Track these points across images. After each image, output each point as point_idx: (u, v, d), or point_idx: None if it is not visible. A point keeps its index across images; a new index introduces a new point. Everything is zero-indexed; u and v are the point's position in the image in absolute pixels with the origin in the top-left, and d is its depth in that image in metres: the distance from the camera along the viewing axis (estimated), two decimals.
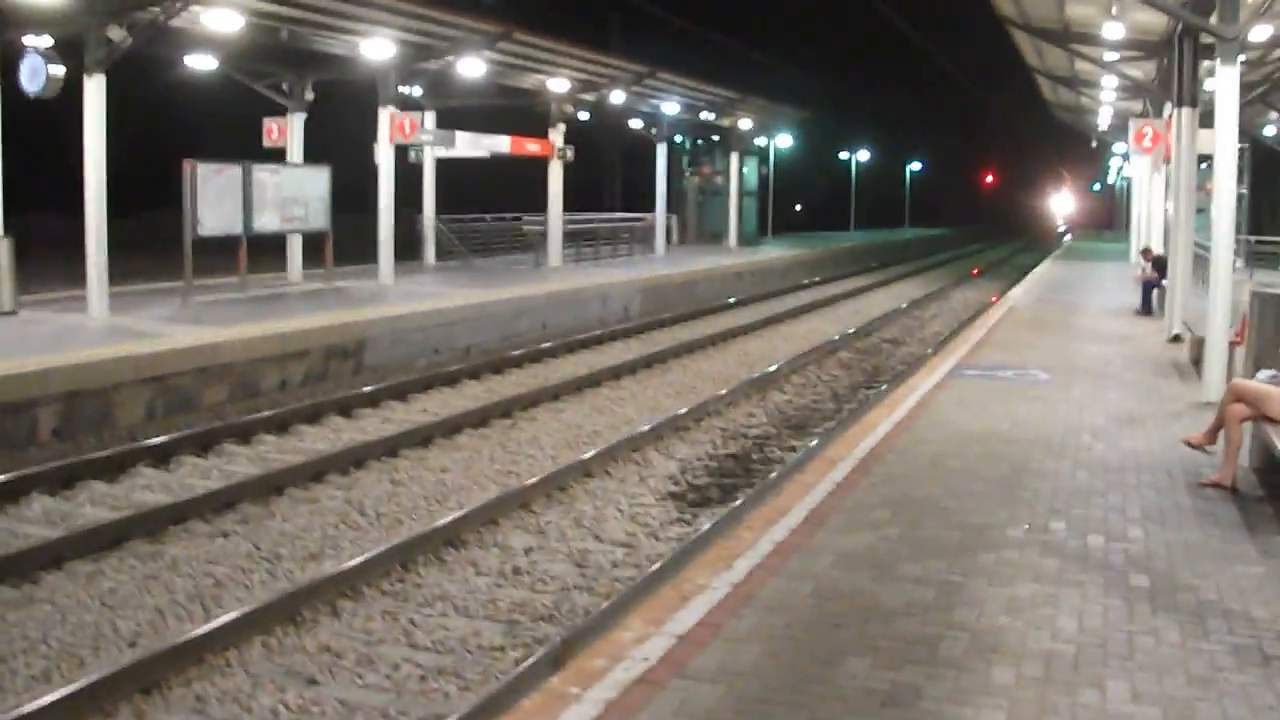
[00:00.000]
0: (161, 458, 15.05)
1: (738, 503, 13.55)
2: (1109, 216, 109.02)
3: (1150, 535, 9.65)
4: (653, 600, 8.10)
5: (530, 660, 8.85)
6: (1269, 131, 43.71)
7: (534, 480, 14.11)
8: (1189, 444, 12.40)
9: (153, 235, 36.51)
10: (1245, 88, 17.15)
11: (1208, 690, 6.67)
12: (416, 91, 34.56)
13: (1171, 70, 23.76)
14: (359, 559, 10.93)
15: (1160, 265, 27.52)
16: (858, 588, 8.20)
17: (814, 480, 11.33)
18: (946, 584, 8.32)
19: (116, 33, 21.08)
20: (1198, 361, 18.56)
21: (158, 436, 15.75)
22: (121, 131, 22.44)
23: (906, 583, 8.32)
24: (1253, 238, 44.96)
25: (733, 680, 6.63)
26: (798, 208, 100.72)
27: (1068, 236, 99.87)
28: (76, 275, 22.95)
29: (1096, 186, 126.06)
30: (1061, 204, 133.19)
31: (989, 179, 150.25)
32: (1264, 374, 12.27)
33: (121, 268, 23.90)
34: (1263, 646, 7.34)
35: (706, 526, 12.57)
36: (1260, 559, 9.12)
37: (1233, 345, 16.48)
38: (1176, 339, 22.31)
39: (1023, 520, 9.98)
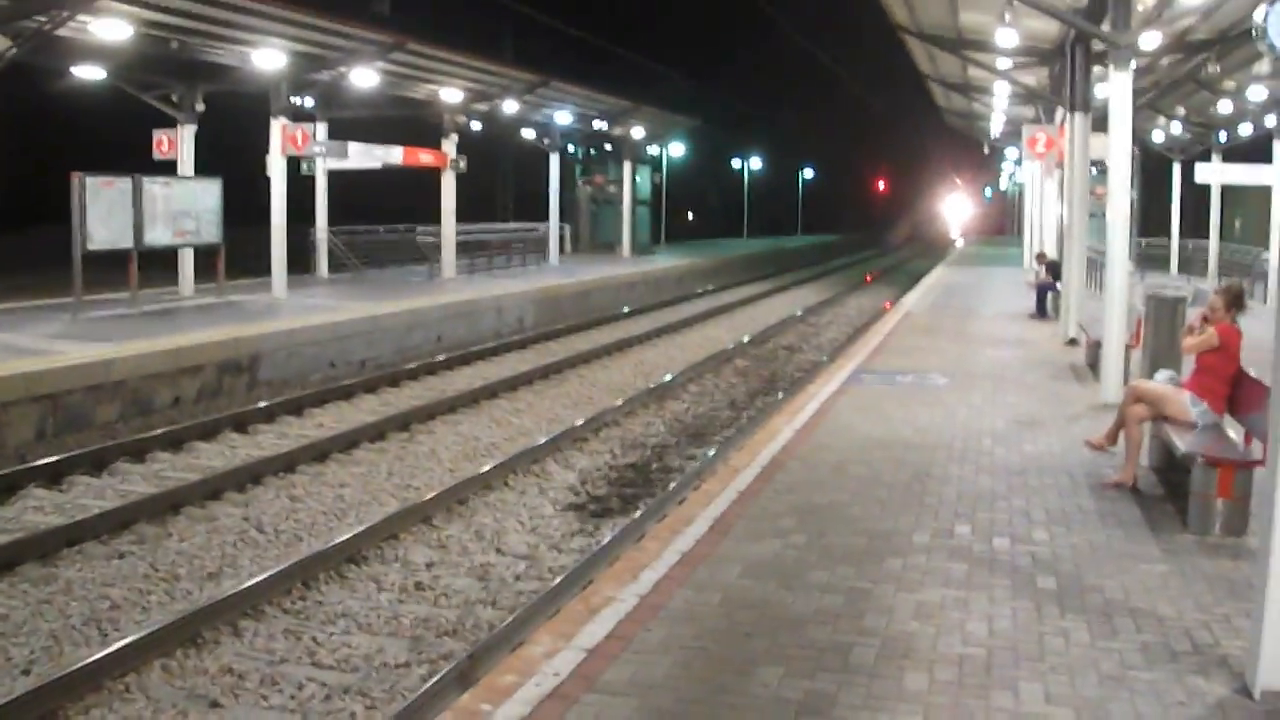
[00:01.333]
0: (53, 478, 14.74)
1: (639, 513, 13.51)
2: (1002, 222, 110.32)
3: (1055, 537, 9.70)
4: (560, 614, 8.02)
5: (437, 677, 8.72)
6: (1158, 137, 44.32)
7: (433, 494, 13.98)
8: (1090, 445, 12.51)
9: (40, 250, 35.94)
10: (1136, 94, 17.30)
11: (1119, 689, 6.71)
12: (309, 103, 34.30)
13: (1064, 76, 24.01)
14: (259, 577, 10.77)
15: (1054, 269, 27.81)
16: (766, 596, 8.16)
17: (717, 489, 11.30)
18: (855, 590, 8.31)
19: (1, 42, 20.70)
20: (1094, 364, 18.75)
21: (49, 456, 15.42)
22: (6, 144, 22.06)
23: (815, 590, 8.29)
24: (1143, 240, 45.66)
25: (645, 693, 6.56)
26: (690, 216, 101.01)
27: (960, 242, 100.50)
28: None
29: (989, 192, 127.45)
30: (955, 210, 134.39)
31: (881, 185, 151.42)
32: (1163, 374, 12.39)
33: (7, 284, 23.56)
34: (1170, 643, 7.41)
35: (608, 537, 12.51)
36: (1164, 557, 9.19)
37: (1129, 347, 16.64)
38: (1073, 342, 22.53)
39: (928, 526, 9.98)
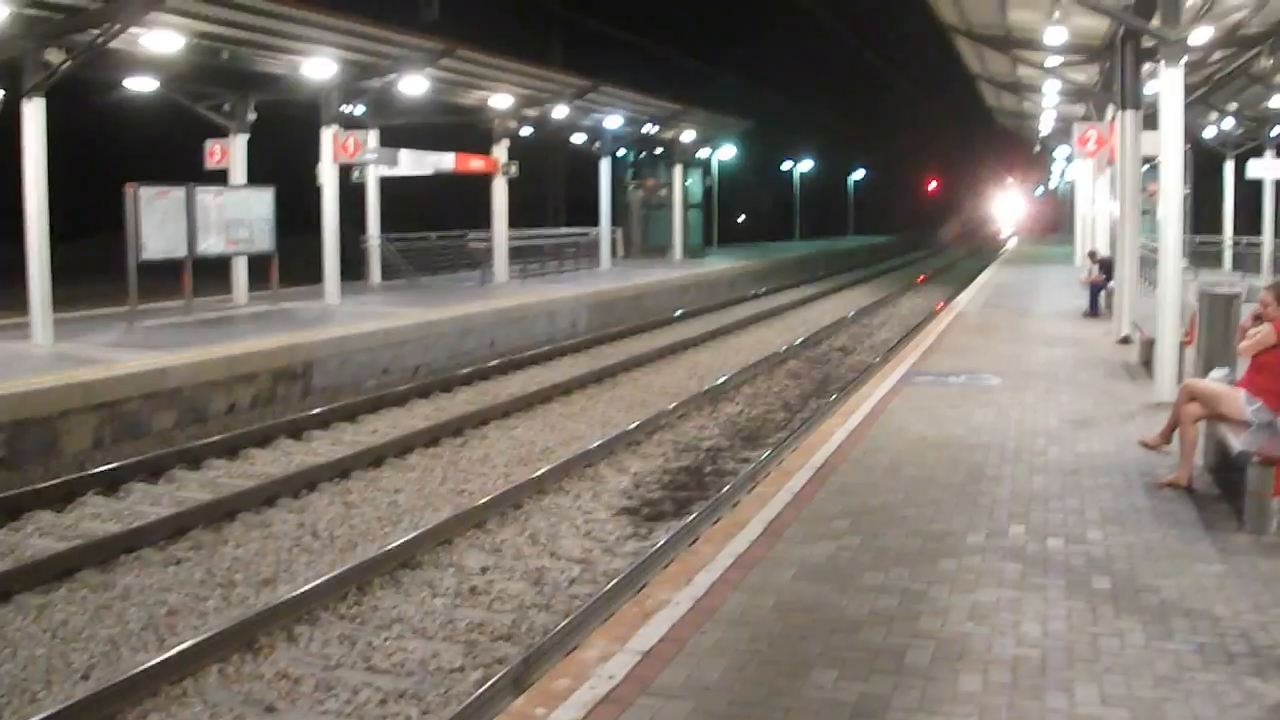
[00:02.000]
0: (111, 485, 14.88)
1: (692, 516, 13.50)
2: (1053, 220, 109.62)
3: (1110, 537, 9.64)
4: (614, 617, 8.03)
5: (491, 681, 8.75)
6: (1209, 133, 44.02)
7: (487, 499, 14.02)
8: (1144, 445, 12.44)
9: (96, 260, 36.17)
10: (1187, 89, 17.18)
11: (1175, 690, 6.66)
12: (359, 110, 34.43)
13: (1114, 73, 23.86)
14: (314, 583, 10.82)
15: (1107, 267, 27.65)
16: (821, 599, 8.15)
17: (771, 491, 11.28)
18: (909, 592, 8.28)
19: (55, 55, 20.88)
20: (1148, 362, 18.63)
21: (106, 464, 15.56)
22: (62, 155, 22.26)
23: (869, 592, 8.27)
24: (1196, 237, 45.34)
25: (700, 696, 6.56)
26: (741, 219, 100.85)
27: (1012, 242, 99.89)
28: (19, 302, 22.68)
29: (1040, 191, 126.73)
30: (1006, 209, 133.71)
31: (932, 185, 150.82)
32: (1217, 373, 12.32)
33: (65, 293, 23.65)
34: (1226, 644, 7.34)
35: (662, 541, 12.51)
36: (1219, 557, 9.12)
37: (1183, 345, 16.53)
38: (1126, 340, 22.38)
39: (982, 526, 9.95)
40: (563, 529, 13.45)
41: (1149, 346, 18.46)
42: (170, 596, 11.03)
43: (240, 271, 29.89)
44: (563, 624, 9.93)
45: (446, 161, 35.99)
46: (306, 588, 10.69)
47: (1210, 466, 12.02)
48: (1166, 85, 16.49)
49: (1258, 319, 11.38)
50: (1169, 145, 16.51)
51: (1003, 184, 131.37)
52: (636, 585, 10.64)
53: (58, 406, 16.68)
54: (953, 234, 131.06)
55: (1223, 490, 11.17)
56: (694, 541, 10.72)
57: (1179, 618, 7.80)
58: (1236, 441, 10.36)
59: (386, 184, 37.27)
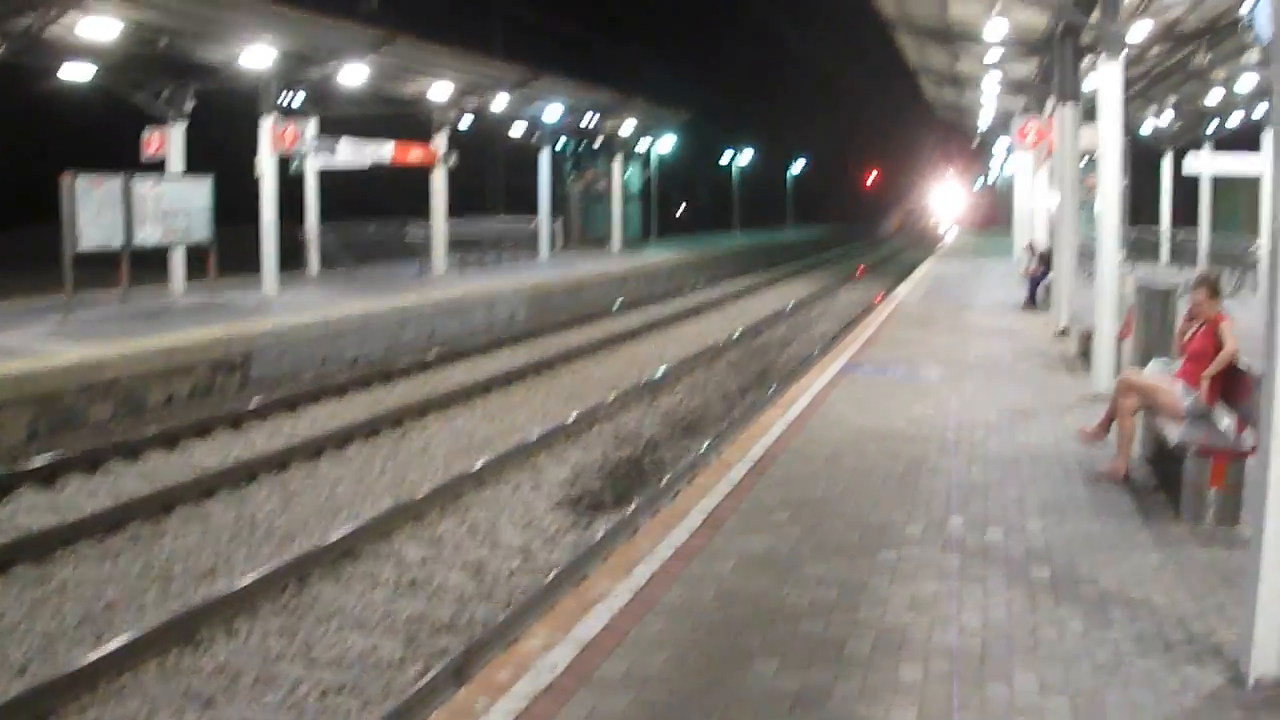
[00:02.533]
0: (47, 479, 14.73)
1: (632, 508, 13.52)
2: (992, 213, 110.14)
3: (1049, 528, 9.71)
4: (555, 609, 8.02)
5: (432, 674, 8.74)
6: (1148, 127, 44.34)
7: (427, 490, 13.98)
8: (1083, 436, 12.51)
9: (32, 250, 35.83)
10: (1125, 84, 17.32)
11: (1113, 678, 6.73)
12: (299, 101, 34.22)
13: (1053, 67, 24.03)
14: (253, 575, 10.77)
15: (1045, 259, 27.84)
16: (761, 590, 8.16)
17: (711, 483, 11.29)
18: (849, 583, 8.31)
19: None
20: (1086, 354, 18.77)
21: (42, 457, 15.42)
22: None
23: (809, 583, 8.30)
24: (1133, 230, 45.68)
25: (641, 687, 6.57)
26: (681, 210, 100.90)
27: (951, 234, 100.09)
28: None
29: (980, 184, 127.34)
30: (945, 201, 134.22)
31: (872, 178, 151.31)
32: (1155, 364, 12.43)
33: None
34: (1165, 633, 7.43)
35: (602, 532, 12.52)
36: (1156, 547, 9.22)
37: (1120, 337, 16.66)
38: (1064, 332, 22.52)
39: (921, 518, 9.99)
40: (503, 520, 13.45)
41: (1087, 339, 18.59)
42: (108, 590, 10.95)
43: (178, 262, 29.68)
44: (504, 615, 9.92)
45: (385, 152, 35.81)
46: (246, 580, 10.63)
47: (1148, 457, 12.13)
48: (1105, 79, 16.62)
49: (1192, 319, 11.50)
50: (1107, 139, 16.65)
51: (943, 177, 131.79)
52: (577, 576, 10.65)
53: None
54: (893, 226, 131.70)
55: (1160, 481, 11.27)
56: (634, 533, 10.74)
57: (1118, 607, 7.87)
58: (1174, 433, 10.45)
59: (326, 174, 37.09)
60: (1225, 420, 11.06)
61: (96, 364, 18.40)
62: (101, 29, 22.69)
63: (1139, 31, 22.09)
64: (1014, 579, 8.44)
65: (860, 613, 7.74)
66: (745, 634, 7.37)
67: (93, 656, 8.92)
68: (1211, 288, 11.41)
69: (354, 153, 34.47)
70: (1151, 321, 15.10)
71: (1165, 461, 11.40)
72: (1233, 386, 10.93)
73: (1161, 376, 11.70)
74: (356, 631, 10.03)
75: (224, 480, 14.64)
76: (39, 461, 15.12)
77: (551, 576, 10.95)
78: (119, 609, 10.52)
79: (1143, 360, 14.16)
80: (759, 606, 7.84)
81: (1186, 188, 43.98)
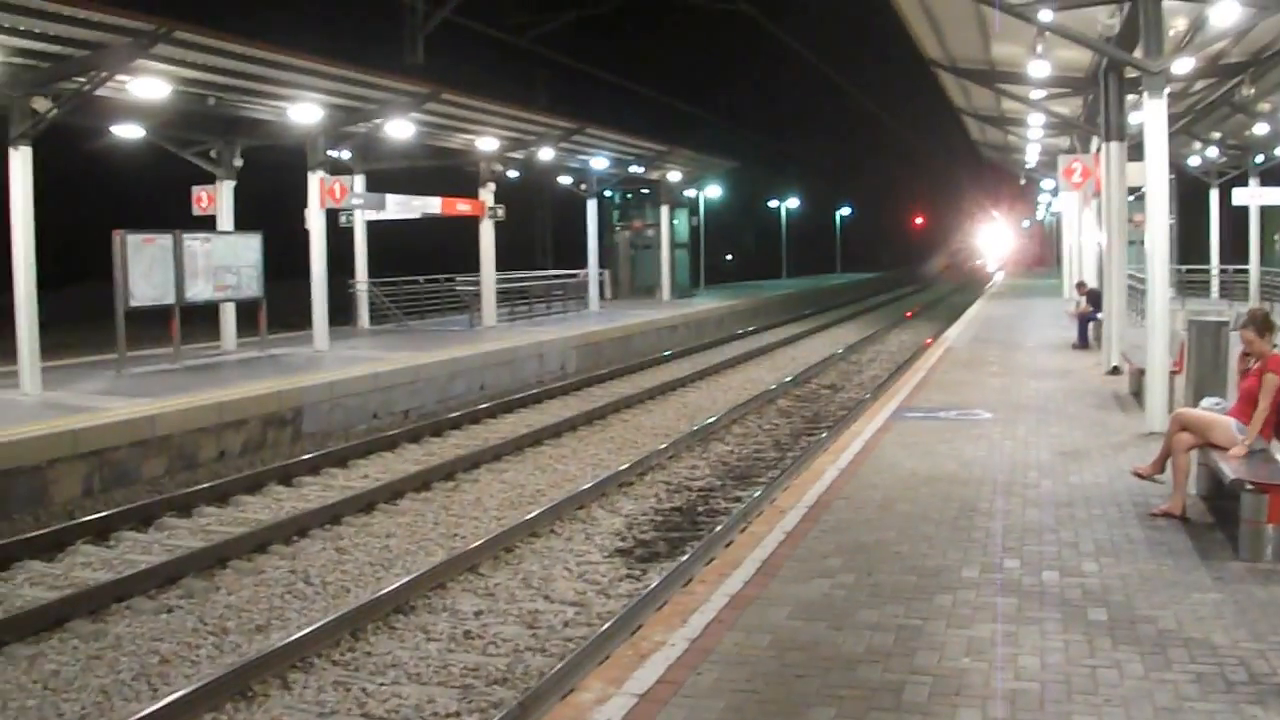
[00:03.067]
0: (101, 534, 14.83)
1: (686, 556, 13.46)
2: (1040, 253, 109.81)
3: (1105, 568, 9.63)
4: (610, 660, 7.99)
5: None
6: (1194, 161, 44.18)
7: (480, 542, 13.96)
8: (1137, 474, 12.42)
9: (84, 307, 36.15)
10: (1170, 119, 17.25)
11: None
12: (346, 155, 34.45)
13: (1098, 105, 23.96)
14: (307, 629, 10.76)
15: (1095, 298, 27.71)
16: (816, 637, 8.12)
17: (764, 530, 11.25)
18: (905, 628, 8.26)
19: (42, 104, 20.91)
20: (1138, 392, 18.68)
21: (96, 512, 15.52)
22: (50, 202, 22.27)
23: (865, 629, 8.25)
24: (1182, 267, 45.49)
25: None
26: (729, 257, 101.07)
27: (999, 276, 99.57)
28: (7, 350, 22.66)
29: (1027, 224, 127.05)
30: (992, 242, 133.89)
31: (919, 221, 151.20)
32: (1208, 401, 12.34)
33: (52, 341, 23.63)
34: (1225, 673, 7.33)
35: (656, 581, 12.47)
36: (1215, 586, 9.12)
37: (1172, 374, 16.56)
38: (1115, 371, 22.41)
39: (976, 561, 9.92)
40: (556, 571, 13.40)
41: (1139, 376, 18.50)
42: (162, 645, 10.97)
43: (229, 317, 29.84)
44: (558, 667, 9.88)
45: (433, 205, 36.03)
46: (300, 634, 10.63)
47: (1203, 495, 12.04)
48: (1150, 116, 16.55)
49: (1246, 356, 11.43)
50: (1154, 176, 16.58)
51: (989, 218, 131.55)
52: (631, 626, 10.60)
53: (46, 455, 16.63)
54: (939, 268, 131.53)
55: (1216, 518, 11.18)
56: (688, 582, 10.69)
57: (1177, 647, 7.78)
58: (1230, 469, 10.36)
59: (374, 226, 37.31)
60: None
61: (149, 420, 18.49)
62: (151, 89, 22.88)
63: (1182, 66, 22.01)
64: (1071, 621, 8.36)
65: (917, 658, 7.69)
66: (801, 682, 7.32)
67: (147, 711, 8.92)
68: (1260, 326, 11.33)
69: (402, 206, 34.69)
70: (1204, 356, 14.97)
71: (1221, 499, 11.33)
72: None
73: (1215, 414, 11.61)
74: (411, 684, 10.00)
75: (276, 534, 14.68)
76: (93, 516, 15.20)
77: (605, 628, 10.89)
78: (173, 663, 10.53)
79: (1195, 395, 14.05)
80: (815, 654, 7.79)
81: (1234, 222, 43.75)
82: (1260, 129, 34.10)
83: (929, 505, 12.16)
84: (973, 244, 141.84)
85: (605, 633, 10.68)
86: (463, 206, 37.66)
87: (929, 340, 39.70)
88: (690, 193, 61.70)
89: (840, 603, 8.86)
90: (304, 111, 27.34)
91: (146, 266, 24.38)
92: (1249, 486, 9.89)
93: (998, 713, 6.80)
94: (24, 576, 13.31)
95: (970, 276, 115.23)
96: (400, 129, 30.81)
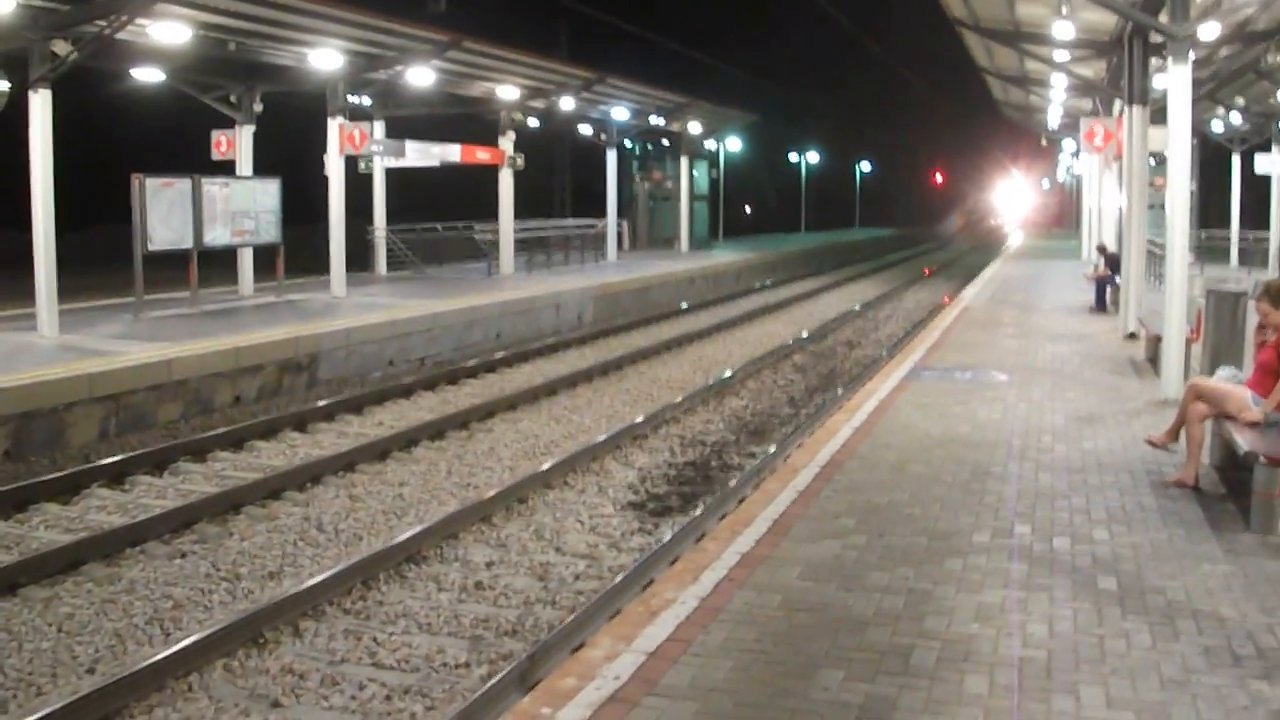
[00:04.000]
0: (116, 478, 14.90)
1: (698, 512, 13.49)
2: (1060, 214, 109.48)
3: (1116, 537, 9.63)
4: (620, 616, 8.03)
5: (497, 678, 8.74)
6: (1217, 127, 43.98)
7: (493, 493, 14.00)
8: (1151, 443, 12.40)
9: (102, 250, 36.16)
10: (1194, 85, 17.19)
11: (1182, 693, 6.64)
12: (366, 102, 34.41)
13: (1121, 69, 23.82)
14: (319, 577, 10.82)
15: (1113, 262, 27.62)
16: (827, 598, 8.14)
17: (777, 489, 11.26)
18: (915, 592, 8.28)
19: (62, 47, 20.89)
20: (1154, 359, 18.63)
21: (112, 456, 15.60)
22: (69, 145, 22.25)
23: (875, 592, 8.26)
24: (1203, 232, 45.34)
25: (706, 697, 6.55)
26: (748, 210, 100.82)
27: (1016, 238, 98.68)
28: (25, 293, 22.71)
29: (1047, 184, 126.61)
30: (1012, 202, 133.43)
31: (939, 178, 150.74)
32: (1224, 371, 12.30)
33: (71, 284, 23.67)
34: (1233, 646, 7.32)
35: (668, 536, 12.50)
36: (1226, 558, 9.11)
37: (1189, 342, 16.52)
38: (1132, 336, 22.35)
39: (988, 525, 9.94)
40: (568, 524, 13.44)
41: (1155, 343, 18.45)
42: (175, 590, 11.03)
43: (246, 263, 29.90)
44: (569, 620, 9.92)
45: (452, 153, 35.96)
46: (312, 582, 10.69)
47: (1217, 465, 12.01)
48: (1174, 81, 16.47)
49: (1262, 328, 11.41)
50: (1176, 141, 16.51)
51: (1009, 177, 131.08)
52: (642, 581, 10.64)
53: (63, 398, 16.71)
54: (956, 226, 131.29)
55: (1229, 489, 11.15)
56: (700, 538, 10.73)
57: (1185, 619, 7.79)
58: (1244, 441, 10.35)
59: (392, 173, 37.28)
60: None
61: (165, 364, 18.55)
62: (172, 33, 22.82)
63: (1208, 32, 21.85)
64: (1081, 589, 8.37)
65: (926, 622, 7.70)
66: (810, 643, 7.34)
67: (160, 655, 8.98)
68: (1275, 297, 11.29)
69: (421, 153, 34.65)
70: (1221, 325, 14.95)
71: (1235, 470, 11.31)
72: None
73: (1230, 384, 11.59)
74: (422, 634, 10.05)
75: (290, 481, 14.75)
76: (109, 460, 15.29)
77: (616, 581, 10.92)
78: (186, 608, 10.60)
79: (1212, 364, 14.03)
80: (824, 615, 7.82)
81: (1256, 189, 43.58)
82: None
83: (942, 467, 12.16)
84: (990, 202, 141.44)
85: (616, 587, 10.71)
86: (482, 155, 37.59)
87: (946, 299, 39.65)
88: (710, 145, 61.52)
89: (851, 564, 8.88)
90: (324, 58, 27.29)
91: (165, 210, 24.39)
92: (1262, 459, 9.87)
93: (1005, 680, 6.81)
94: (40, 519, 13.39)
95: (987, 236, 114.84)
96: (421, 77, 30.71)
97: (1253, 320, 12.21)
